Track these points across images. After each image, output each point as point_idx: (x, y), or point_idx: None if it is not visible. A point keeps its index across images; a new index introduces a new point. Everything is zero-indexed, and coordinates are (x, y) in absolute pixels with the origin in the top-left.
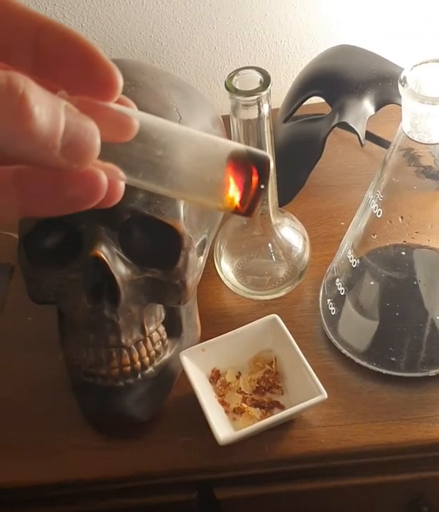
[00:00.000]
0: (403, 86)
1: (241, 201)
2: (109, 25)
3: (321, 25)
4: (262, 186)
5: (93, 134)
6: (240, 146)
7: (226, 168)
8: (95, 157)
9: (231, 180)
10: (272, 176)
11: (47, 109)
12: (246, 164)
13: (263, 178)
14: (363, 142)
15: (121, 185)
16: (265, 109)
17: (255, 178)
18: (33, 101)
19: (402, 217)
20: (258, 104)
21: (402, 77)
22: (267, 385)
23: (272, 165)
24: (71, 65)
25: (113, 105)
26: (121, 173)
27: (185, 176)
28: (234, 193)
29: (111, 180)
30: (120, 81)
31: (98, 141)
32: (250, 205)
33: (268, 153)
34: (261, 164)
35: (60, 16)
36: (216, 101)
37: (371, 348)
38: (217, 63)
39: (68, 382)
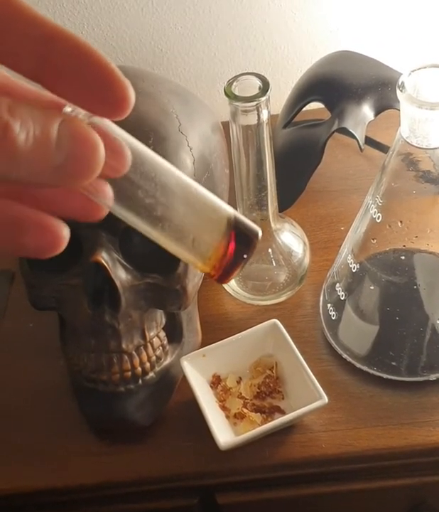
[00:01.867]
0: (401, 91)
1: (218, 266)
2: (109, 32)
3: (320, 31)
4: (245, 256)
5: (94, 148)
6: (236, 214)
7: (216, 232)
8: (97, 173)
9: (218, 245)
10: (273, 181)
11: (36, 130)
12: (235, 233)
13: (250, 249)
14: (362, 147)
15: (104, 211)
16: (264, 115)
17: (240, 249)
18: (17, 127)
19: (401, 222)
20: (258, 110)
21: (400, 83)
22: (268, 390)
23: (260, 237)
24: (82, 78)
25: (115, 131)
26: (110, 199)
27: (174, 226)
28: (215, 257)
29: (95, 205)
30: (132, 100)
31: (100, 155)
32: (225, 272)
33: (268, 159)
34: (250, 237)
35: (60, 23)
36: (216, 107)
37: (372, 352)
38: (217, 69)
39: (69, 387)
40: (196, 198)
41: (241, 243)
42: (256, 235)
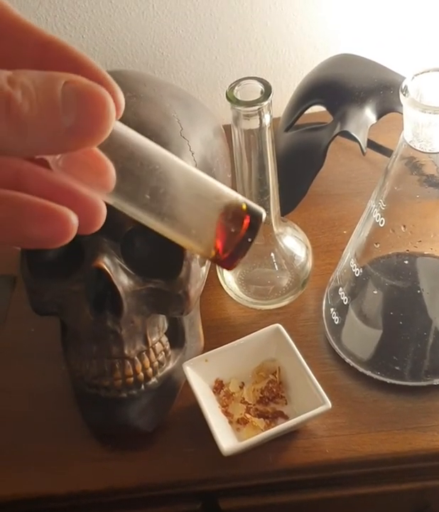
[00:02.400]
0: (404, 95)
1: (223, 250)
2: (110, 36)
3: (322, 34)
4: (249, 239)
5: (103, 104)
6: (238, 198)
7: (219, 216)
8: (110, 129)
9: (221, 228)
10: (275, 185)
11: (40, 96)
12: (239, 215)
13: (253, 231)
14: (365, 151)
15: (103, 213)
16: (266, 119)
17: (244, 231)
18: (18, 97)
19: (404, 226)
20: (260, 115)
21: (403, 87)
22: (271, 395)
23: (264, 219)
24: None
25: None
26: (110, 186)
27: (174, 210)
28: (219, 240)
29: (93, 208)
30: (122, 104)
31: (111, 110)
32: (232, 256)
33: (270, 163)
34: (254, 218)
35: (61, 27)
36: (218, 111)
37: (375, 357)
38: (218, 73)
39: (72, 393)
40: (197, 183)
41: (247, 225)
42: (260, 217)
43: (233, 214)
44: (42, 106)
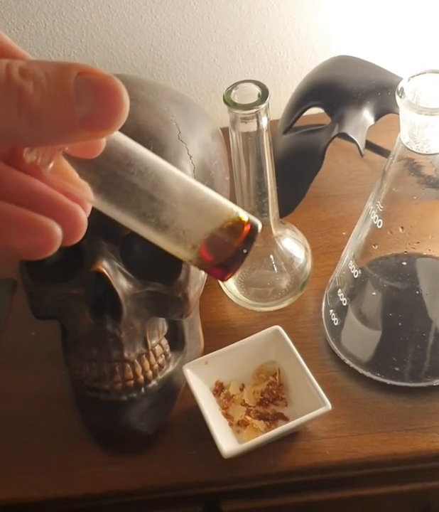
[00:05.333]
0: (400, 97)
1: (216, 262)
2: (108, 39)
3: (319, 37)
4: (245, 251)
5: (118, 93)
6: (234, 208)
7: (214, 228)
8: (124, 118)
9: (215, 239)
10: (273, 187)
11: (52, 87)
12: (235, 226)
13: (249, 243)
14: (363, 153)
15: (83, 221)
16: (263, 122)
17: (240, 242)
18: (30, 88)
19: (402, 228)
20: (257, 118)
21: (399, 89)
22: (271, 396)
23: (260, 231)
24: None
25: None
26: (91, 193)
27: (167, 219)
28: (214, 251)
29: (74, 217)
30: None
31: (125, 99)
32: (227, 266)
33: (268, 165)
34: (251, 230)
35: (60, 32)
36: (216, 113)
37: (375, 358)
38: (217, 76)
39: (72, 397)
40: (194, 196)
41: (243, 237)
42: (257, 228)
43: (229, 225)
44: (54, 97)
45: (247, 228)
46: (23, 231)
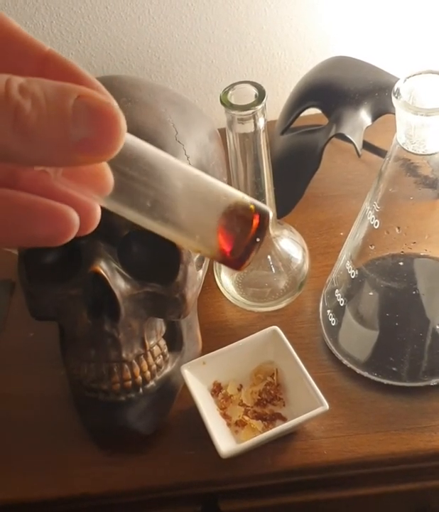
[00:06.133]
0: (396, 98)
1: (231, 252)
2: (106, 40)
3: (317, 37)
4: (257, 239)
5: (115, 122)
6: (244, 197)
7: (225, 218)
8: (120, 147)
9: (227, 229)
10: (270, 188)
11: (50, 107)
12: (246, 215)
13: (261, 231)
14: (360, 153)
15: (97, 214)
16: (261, 123)
17: (252, 231)
18: (28, 107)
19: (399, 228)
20: (254, 119)
21: (396, 89)
22: (269, 397)
23: (271, 218)
24: None
25: None
26: (107, 190)
27: (177, 214)
28: (227, 242)
29: (87, 209)
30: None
31: (122, 128)
32: (242, 256)
33: (265, 166)
34: (261, 218)
35: (57, 33)
36: (214, 114)
37: (372, 358)
38: (214, 76)
39: (70, 397)
40: (199, 185)
41: (255, 225)
42: (268, 215)
43: (239, 214)
44: (51, 118)
45: (258, 216)
46: (45, 219)
